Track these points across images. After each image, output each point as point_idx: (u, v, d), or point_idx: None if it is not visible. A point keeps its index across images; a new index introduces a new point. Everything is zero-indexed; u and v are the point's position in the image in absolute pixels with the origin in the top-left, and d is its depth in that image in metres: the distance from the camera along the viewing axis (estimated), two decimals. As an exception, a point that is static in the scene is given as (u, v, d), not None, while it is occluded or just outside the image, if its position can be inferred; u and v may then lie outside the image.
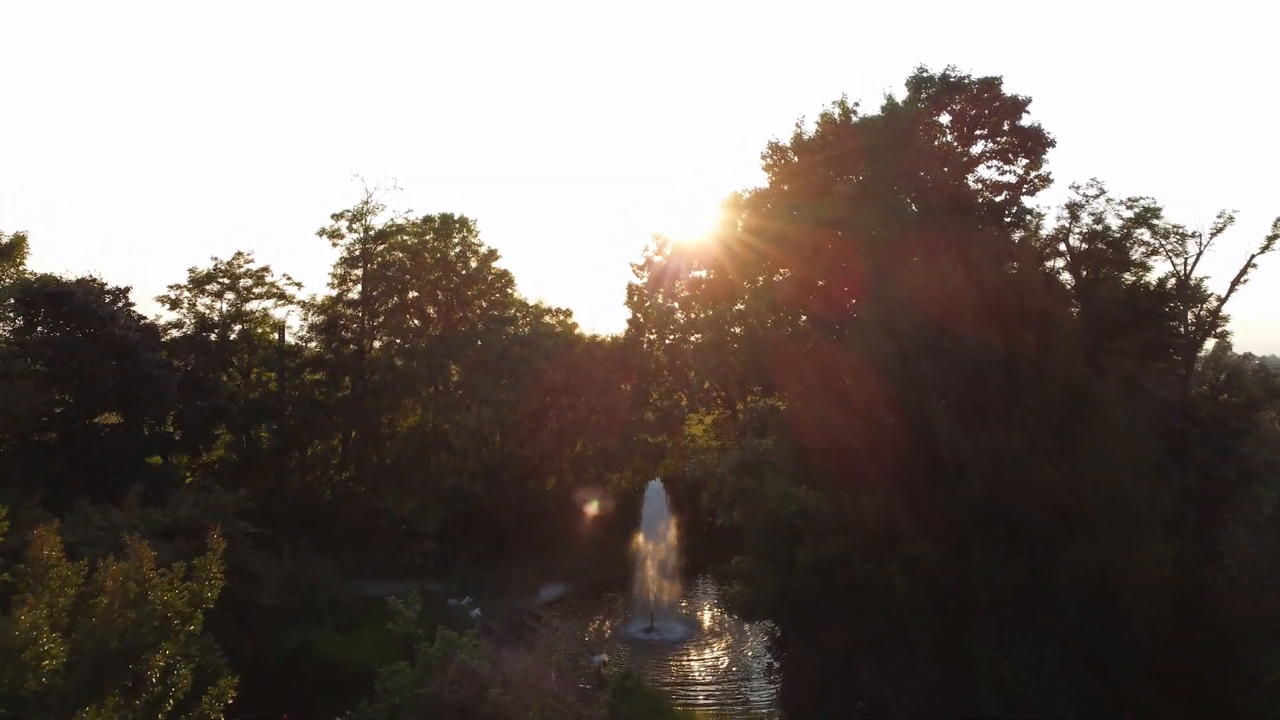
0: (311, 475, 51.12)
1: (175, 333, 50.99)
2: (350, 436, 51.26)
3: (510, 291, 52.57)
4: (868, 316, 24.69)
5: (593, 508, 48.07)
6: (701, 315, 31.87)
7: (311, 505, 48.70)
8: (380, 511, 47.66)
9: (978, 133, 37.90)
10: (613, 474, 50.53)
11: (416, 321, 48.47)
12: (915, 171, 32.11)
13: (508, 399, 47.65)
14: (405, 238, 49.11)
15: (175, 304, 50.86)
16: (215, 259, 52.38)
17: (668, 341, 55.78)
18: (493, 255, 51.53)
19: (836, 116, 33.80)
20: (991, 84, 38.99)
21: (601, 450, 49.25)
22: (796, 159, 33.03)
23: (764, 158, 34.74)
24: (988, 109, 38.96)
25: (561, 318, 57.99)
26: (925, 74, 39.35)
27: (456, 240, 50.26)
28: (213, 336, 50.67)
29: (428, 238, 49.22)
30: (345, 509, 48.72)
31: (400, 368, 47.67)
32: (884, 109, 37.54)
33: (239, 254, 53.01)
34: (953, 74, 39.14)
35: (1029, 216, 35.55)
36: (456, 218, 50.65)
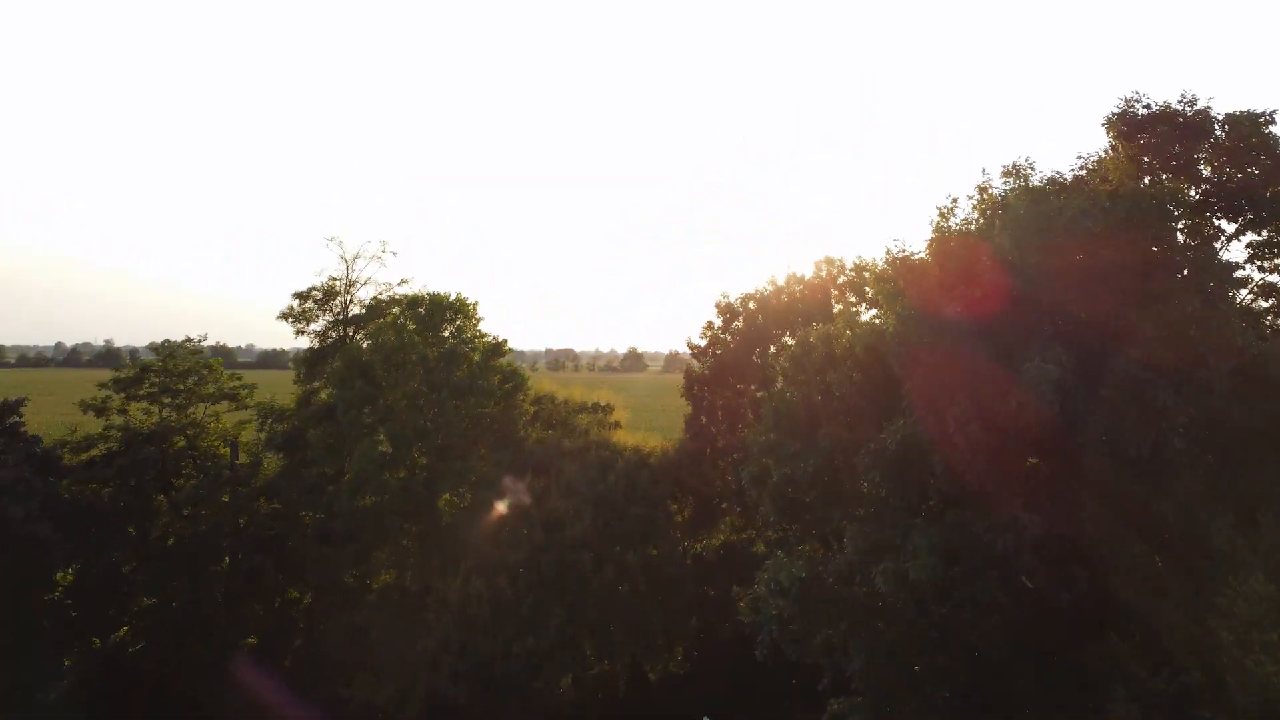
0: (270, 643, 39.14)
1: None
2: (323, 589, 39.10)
3: (522, 397, 39.43)
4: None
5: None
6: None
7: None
8: (346, 699, 35.64)
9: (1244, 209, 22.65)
10: (653, 663, 37.02)
11: (389, 449, 35.59)
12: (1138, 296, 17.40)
13: (509, 559, 34.61)
14: (387, 332, 36.41)
15: (101, 410, 39.68)
16: (155, 345, 41.17)
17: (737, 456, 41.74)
18: (498, 349, 38.51)
19: (1007, 192, 19.24)
20: (1256, 123, 23.68)
21: (643, 626, 35.68)
22: (939, 269, 18.61)
23: (879, 280, 20.29)
24: (1248, 165, 23.68)
25: (600, 416, 44.67)
26: (1140, 106, 24.30)
27: (449, 332, 37.37)
28: (148, 449, 39.45)
29: (410, 327, 36.44)
30: (309, 692, 36.82)
31: (369, 507, 35.05)
32: (1083, 167, 22.74)
33: (186, 341, 41.61)
34: (1186, 108, 23.97)
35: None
36: (451, 299, 37.77)
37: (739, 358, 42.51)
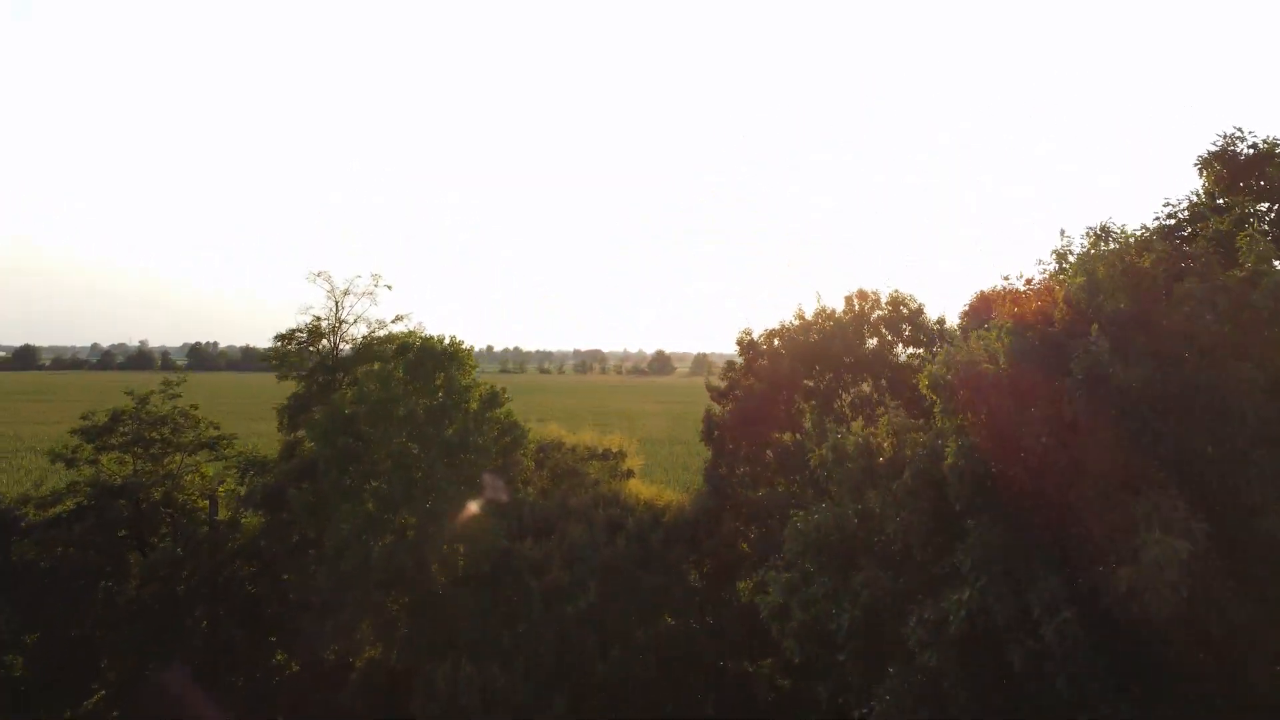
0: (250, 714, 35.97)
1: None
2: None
3: (522, 452, 35.85)
4: None
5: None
6: None
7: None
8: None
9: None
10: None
11: (372, 507, 32.10)
12: None
13: (504, 639, 31.07)
14: (372, 381, 32.99)
15: (70, 461, 36.72)
16: (130, 393, 38.11)
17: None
18: (496, 398, 34.89)
19: (1094, 263, 15.20)
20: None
21: (653, 715, 31.95)
22: (1012, 377, 14.43)
23: (934, 386, 15.88)
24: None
25: (611, 463, 41.07)
26: (1244, 145, 20.15)
27: (440, 381, 33.87)
28: (120, 504, 36.41)
29: (399, 375, 33.04)
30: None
31: (351, 576, 31.59)
32: (1171, 216, 18.95)
33: (165, 384, 38.61)
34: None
35: None
36: (444, 344, 34.31)
37: (763, 404, 38.63)
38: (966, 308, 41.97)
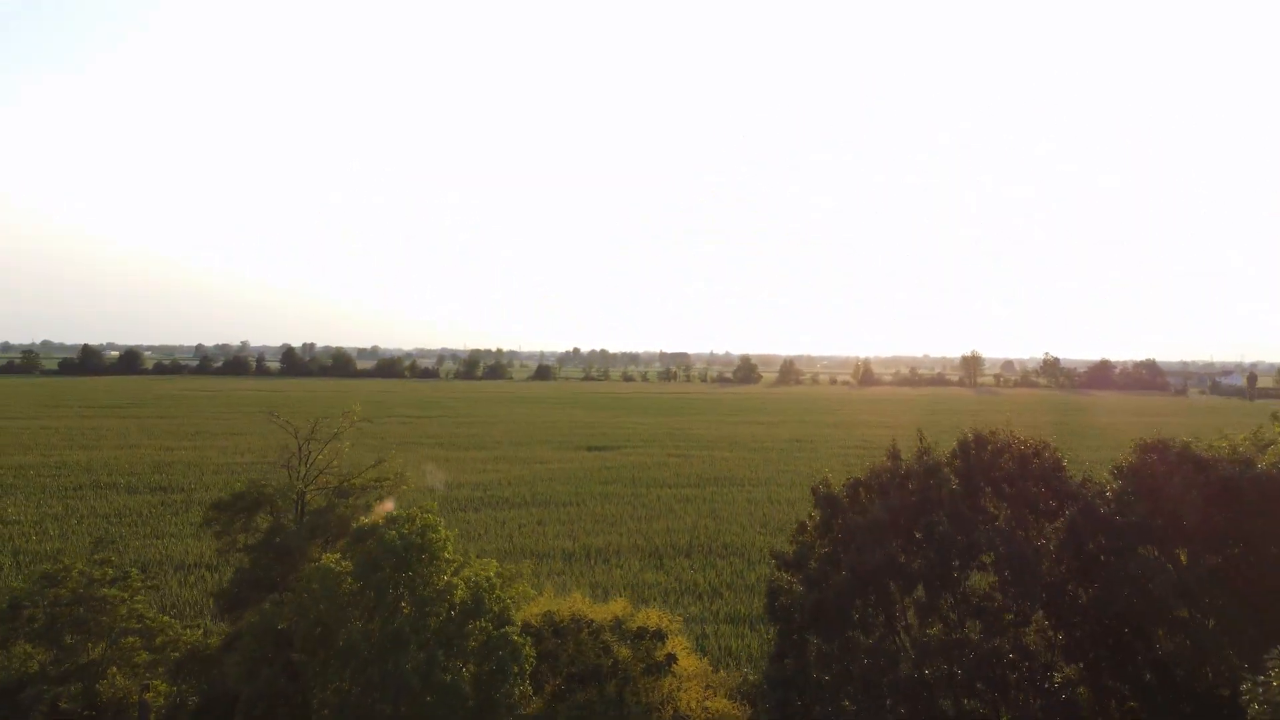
0: None
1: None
2: None
3: (516, 669, 26.84)
4: None
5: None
6: None
7: None
8: None
9: None
10: None
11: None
12: None
13: None
14: (313, 584, 24.68)
15: (-26, 649, 29.66)
16: (56, 565, 30.91)
17: None
18: (481, 604, 25.98)
19: None
20: None
21: None
22: None
23: None
24: None
25: (646, 645, 31.87)
26: None
27: (404, 581, 25.21)
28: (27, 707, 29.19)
29: (348, 580, 24.60)
30: None
31: None
32: None
33: (97, 545, 31.30)
34: None
35: None
36: (410, 532, 25.61)
37: (846, 592, 28.82)
38: (1126, 466, 30.79)
